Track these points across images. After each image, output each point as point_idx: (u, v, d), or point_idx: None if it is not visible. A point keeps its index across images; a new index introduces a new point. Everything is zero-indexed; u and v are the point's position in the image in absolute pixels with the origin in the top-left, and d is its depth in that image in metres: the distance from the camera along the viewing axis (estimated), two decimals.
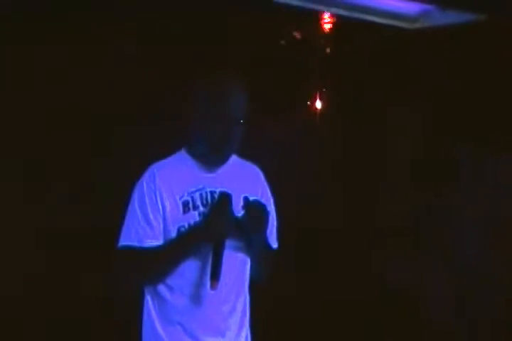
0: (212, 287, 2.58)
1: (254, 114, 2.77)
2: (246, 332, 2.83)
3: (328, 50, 5.26)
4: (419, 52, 5.19)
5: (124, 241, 2.70)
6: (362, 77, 5.31)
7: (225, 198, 2.65)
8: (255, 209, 2.66)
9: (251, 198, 2.68)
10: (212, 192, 2.71)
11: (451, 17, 4.94)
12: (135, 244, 2.67)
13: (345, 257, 5.26)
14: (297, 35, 5.13)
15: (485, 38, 4.94)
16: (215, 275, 2.58)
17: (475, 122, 5.13)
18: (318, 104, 5.44)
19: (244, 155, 2.88)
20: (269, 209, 2.75)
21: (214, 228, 2.62)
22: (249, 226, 2.65)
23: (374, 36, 5.10)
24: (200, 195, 2.71)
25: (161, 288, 2.71)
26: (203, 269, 2.67)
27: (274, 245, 2.88)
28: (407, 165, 5.41)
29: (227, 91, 2.70)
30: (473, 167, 5.22)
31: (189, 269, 2.67)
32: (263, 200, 2.79)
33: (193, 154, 2.77)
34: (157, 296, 2.72)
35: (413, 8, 4.94)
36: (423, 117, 5.28)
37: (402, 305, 5.24)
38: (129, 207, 2.72)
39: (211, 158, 2.74)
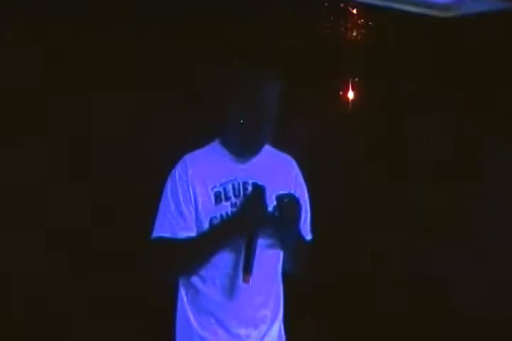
0: (245, 280, 2.56)
1: (286, 105, 2.75)
2: (279, 324, 2.81)
3: (359, 40, 5.18)
4: (454, 40, 5.08)
5: (157, 232, 2.69)
6: (394, 67, 5.22)
7: (259, 190, 2.63)
8: (287, 204, 2.62)
9: (283, 192, 2.65)
10: (244, 183, 2.70)
11: (485, 5, 4.87)
12: (168, 235, 2.66)
13: (379, 250, 5.19)
14: (328, 25, 5.04)
15: None
16: (248, 269, 2.56)
17: (500, 118, 5.03)
18: (351, 95, 5.36)
19: (277, 145, 2.86)
20: (301, 200, 2.73)
21: (247, 219, 2.61)
22: (282, 220, 2.63)
23: (407, 26, 5.00)
24: (233, 185, 2.70)
25: (195, 279, 2.70)
26: (236, 261, 2.66)
27: (308, 237, 2.86)
28: (434, 161, 5.32)
29: (261, 81, 2.69)
30: (502, 163, 5.12)
31: (222, 261, 2.66)
32: (297, 191, 2.78)
33: (226, 145, 2.75)
34: (190, 287, 2.72)
35: None
36: (452, 113, 5.18)
37: (433, 296, 5.16)
38: (162, 198, 2.72)
39: (244, 149, 2.72)
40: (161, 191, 2.74)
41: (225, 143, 2.76)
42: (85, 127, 4.45)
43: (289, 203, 2.62)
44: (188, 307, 2.72)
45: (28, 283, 4.25)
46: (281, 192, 2.65)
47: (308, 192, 2.87)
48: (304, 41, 4.93)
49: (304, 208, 2.76)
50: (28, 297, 4.27)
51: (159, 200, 2.73)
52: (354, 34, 5.16)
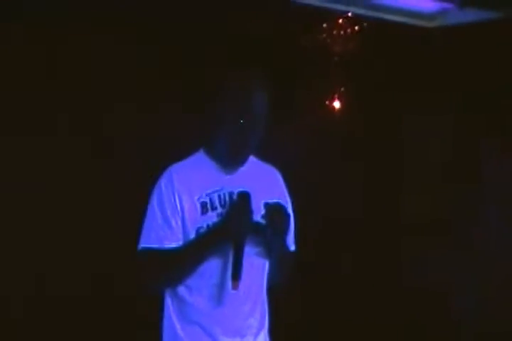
0: (234, 287, 2.56)
1: (272, 115, 2.74)
2: (264, 333, 2.81)
3: (346, 50, 5.19)
4: (438, 50, 5.10)
5: (144, 243, 2.69)
6: (381, 76, 5.24)
7: (244, 197, 2.63)
8: (276, 213, 2.63)
9: (271, 201, 2.65)
10: (230, 193, 2.69)
11: (470, 15, 4.90)
12: (155, 245, 2.65)
13: (371, 254, 5.20)
14: (315, 35, 5.06)
15: (503, 36, 4.84)
16: (236, 275, 2.56)
17: (497, 120, 5.05)
18: (337, 104, 5.37)
19: (262, 156, 2.86)
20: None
21: (233, 227, 2.60)
22: (270, 229, 2.63)
23: (393, 35, 5.02)
24: (219, 195, 2.69)
25: (181, 288, 2.70)
26: (222, 269, 2.65)
27: (292, 247, 2.87)
28: (431, 165, 5.33)
29: (248, 91, 2.68)
30: (497, 165, 5.14)
31: (209, 270, 2.66)
32: (282, 201, 2.77)
33: (212, 155, 2.76)
34: (176, 297, 2.71)
35: (432, 7, 4.91)
36: (446, 117, 5.19)
37: (430, 302, 5.16)
38: (148, 209, 2.71)
39: (230, 159, 2.72)
40: (145, 202, 2.72)
41: (211, 153, 2.76)
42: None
43: (277, 212, 2.63)
44: (174, 317, 2.71)
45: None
46: (267, 200, 2.65)
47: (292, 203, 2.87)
48: (288, 52, 4.94)
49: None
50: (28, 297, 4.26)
51: (144, 211, 2.72)
52: (341, 42, 5.16)
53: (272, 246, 2.70)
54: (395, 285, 5.26)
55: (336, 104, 5.39)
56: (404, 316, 5.19)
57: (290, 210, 2.83)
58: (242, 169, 2.75)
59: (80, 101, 4.45)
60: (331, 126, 5.32)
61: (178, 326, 2.69)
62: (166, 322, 2.75)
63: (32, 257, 4.31)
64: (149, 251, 2.66)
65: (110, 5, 4.29)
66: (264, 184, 2.78)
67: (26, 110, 4.31)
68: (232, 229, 2.60)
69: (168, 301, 2.74)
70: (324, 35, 5.05)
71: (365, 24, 4.94)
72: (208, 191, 2.69)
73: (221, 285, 2.65)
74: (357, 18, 4.91)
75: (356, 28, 5.07)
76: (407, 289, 5.24)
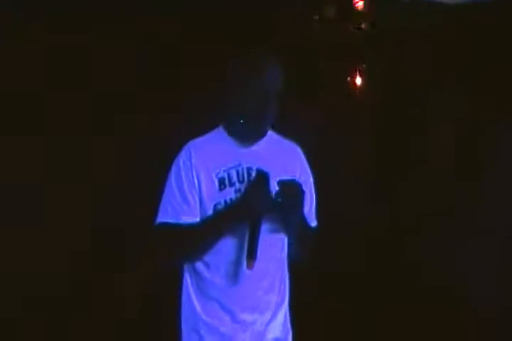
0: (249, 266, 2.55)
1: (293, 94, 2.70)
2: (284, 311, 2.80)
3: (367, 29, 5.13)
4: (462, 28, 5.02)
5: (161, 218, 2.69)
6: (403, 56, 5.16)
7: (262, 176, 2.63)
8: (290, 190, 2.61)
9: (286, 178, 2.64)
10: (248, 169, 2.69)
11: None
12: (172, 220, 2.66)
13: (382, 245, 5.15)
14: (335, 13, 5.00)
15: None
16: (251, 255, 2.54)
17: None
18: (359, 83, 5.31)
19: (283, 133, 2.85)
20: (306, 187, 2.71)
21: (251, 206, 2.59)
22: (283, 206, 2.61)
23: (415, 14, 4.95)
24: (237, 171, 2.69)
25: (199, 264, 2.70)
26: (239, 247, 2.65)
27: (313, 223, 2.85)
28: (447, 152, 5.27)
29: (261, 66, 2.67)
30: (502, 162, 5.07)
31: (226, 247, 2.66)
32: (302, 178, 2.77)
33: (230, 131, 2.75)
34: (195, 273, 2.71)
35: None
36: (465, 102, 5.12)
37: (441, 294, 5.11)
38: (166, 185, 2.71)
39: (247, 134, 2.72)
40: (165, 178, 2.73)
41: (229, 129, 2.75)
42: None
43: (290, 189, 2.61)
44: (193, 293, 2.72)
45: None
46: (284, 177, 2.64)
47: (314, 179, 2.85)
48: (309, 31, 4.88)
49: (308, 195, 2.75)
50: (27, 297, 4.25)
51: (163, 188, 2.72)
52: (359, 23, 5.11)
53: (289, 223, 2.69)
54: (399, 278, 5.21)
55: (358, 83, 5.34)
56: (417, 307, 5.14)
57: (310, 186, 2.82)
58: (261, 145, 2.75)
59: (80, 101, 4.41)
60: (352, 105, 5.26)
61: (196, 302, 2.70)
62: (184, 298, 2.76)
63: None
64: (166, 226, 2.66)
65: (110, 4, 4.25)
66: (283, 160, 2.77)
67: (26, 110, 4.27)
68: (249, 208, 2.59)
69: (187, 277, 2.74)
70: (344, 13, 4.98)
71: None
72: (226, 167, 2.68)
73: (238, 263, 2.65)
74: None
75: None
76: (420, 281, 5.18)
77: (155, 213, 2.71)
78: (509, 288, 4.91)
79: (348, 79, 5.34)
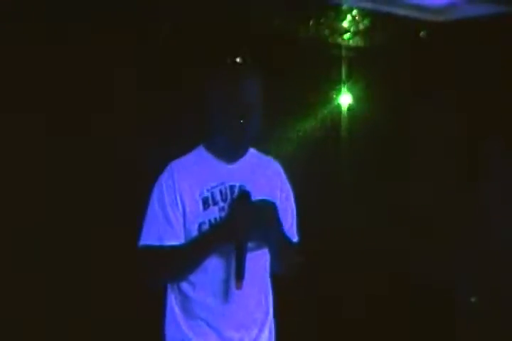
0: (238, 287, 2.54)
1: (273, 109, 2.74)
2: (270, 326, 2.80)
3: (353, 44, 5.14)
4: (446, 44, 5.04)
5: (144, 240, 2.67)
6: (388, 71, 5.18)
7: (245, 195, 2.63)
8: (265, 210, 2.62)
9: (258, 198, 2.64)
10: (232, 187, 2.69)
11: (478, 9, 4.85)
12: (156, 243, 2.64)
13: (376, 250, 5.15)
14: (323, 28, 5.00)
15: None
16: (240, 275, 2.54)
17: (506, 117, 4.98)
18: (344, 99, 5.32)
19: (263, 150, 2.87)
20: (286, 204, 2.76)
21: (235, 226, 2.57)
22: (262, 226, 2.62)
23: (400, 29, 4.97)
24: (220, 190, 2.68)
25: (184, 284, 2.69)
26: (225, 265, 2.64)
27: (294, 239, 2.86)
28: (437, 160, 5.28)
29: (236, 78, 2.65)
30: (504, 163, 5.07)
31: (212, 266, 2.65)
32: (283, 194, 2.79)
33: (211, 149, 2.75)
34: (180, 293, 2.70)
35: (440, 1, 4.86)
36: (453, 112, 5.14)
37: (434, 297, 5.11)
38: (149, 207, 2.69)
39: (229, 150, 2.72)
40: (145, 199, 2.72)
41: (210, 147, 2.75)
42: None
43: (265, 209, 2.63)
44: (178, 313, 2.70)
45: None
46: (262, 196, 2.65)
47: (294, 194, 2.87)
48: (295, 44, 4.89)
49: (289, 211, 2.80)
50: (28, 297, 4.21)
51: (145, 208, 2.71)
52: (345, 36, 5.11)
53: (269, 241, 2.69)
54: (400, 282, 5.20)
55: (342, 99, 5.34)
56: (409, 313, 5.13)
57: (292, 202, 2.84)
58: (242, 162, 2.75)
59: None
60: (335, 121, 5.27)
61: (181, 321, 2.68)
62: (168, 318, 2.74)
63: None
64: (150, 249, 2.65)
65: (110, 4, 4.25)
66: (264, 177, 2.77)
67: (26, 110, 4.26)
68: (234, 228, 2.57)
69: (171, 297, 2.73)
70: (331, 27, 4.99)
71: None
72: (209, 186, 2.68)
73: (225, 281, 2.64)
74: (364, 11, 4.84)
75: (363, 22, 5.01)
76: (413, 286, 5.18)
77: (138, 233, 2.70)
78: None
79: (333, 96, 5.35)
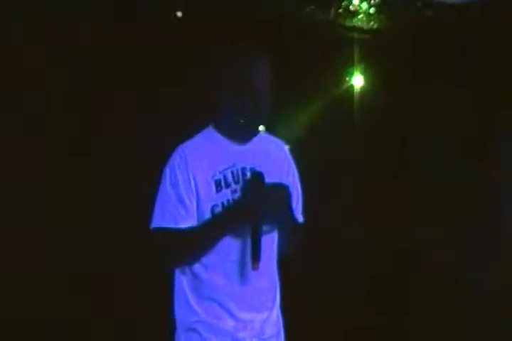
0: (254, 267, 2.58)
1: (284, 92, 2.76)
2: (277, 308, 2.83)
3: (365, 26, 5.10)
4: (459, 26, 4.99)
5: (158, 223, 2.68)
6: (400, 53, 5.14)
7: (258, 176, 2.65)
8: (277, 193, 2.65)
9: (271, 181, 2.67)
10: (243, 169, 2.71)
11: None
12: (170, 225, 2.65)
13: (383, 236, 5.13)
14: (335, 11, 4.97)
15: None
16: (256, 256, 2.57)
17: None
18: (355, 81, 5.29)
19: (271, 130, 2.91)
20: (292, 186, 2.77)
21: (251, 207, 2.60)
22: (275, 209, 2.65)
23: (413, 11, 4.92)
24: (232, 172, 2.70)
25: (196, 266, 2.70)
26: (238, 247, 2.67)
27: (300, 219, 2.89)
28: (446, 142, 5.24)
29: (248, 58, 2.69)
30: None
31: (225, 247, 2.67)
32: (289, 177, 2.83)
33: (221, 130, 2.76)
34: (192, 274, 2.71)
35: None
36: (462, 95, 5.09)
37: (441, 284, 5.09)
38: (161, 189, 2.70)
39: (240, 132, 2.74)
40: (155, 182, 2.72)
41: (220, 128, 2.76)
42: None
43: (278, 191, 2.66)
44: (189, 293, 2.71)
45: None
46: (271, 179, 2.68)
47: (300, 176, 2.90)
48: (304, 28, 4.86)
49: (295, 192, 2.81)
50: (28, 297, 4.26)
51: (155, 191, 2.72)
52: (357, 18, 5.07)
53: (280, 222, 2.72)
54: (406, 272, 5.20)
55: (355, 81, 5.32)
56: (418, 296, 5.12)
57: (298, 184, 2.87)
58: (253, 144, 2.77)
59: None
60: (348, 102, 5.25)
61: (193, 303, 2.70)
62: (179, 300, 2.76)
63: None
64: (164, 231, 2.66)
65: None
66: (273, 158, 2.80)
67: (26, 110, 4.26)
68: (250, 209, 2.59)
69: (181, 278, 2.74)
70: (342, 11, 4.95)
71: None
72: (221, 168, 2.69)
73: (238, 263, 2.67)
74: None
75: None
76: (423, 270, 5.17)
77: (148, 217, 2.70)
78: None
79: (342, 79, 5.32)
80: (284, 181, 2.75)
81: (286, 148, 2.90)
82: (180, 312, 2.75)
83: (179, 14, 4.58)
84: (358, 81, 5.32)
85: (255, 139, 2.77)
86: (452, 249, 5.10)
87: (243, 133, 2.74)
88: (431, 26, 5.07)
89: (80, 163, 4.33)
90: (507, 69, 4.98)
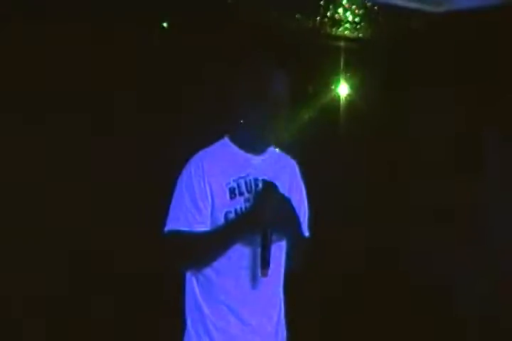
0: (263, 275, 2.67)
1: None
2: (283, 314, 2.92)
3: (352, 35, 5.12)
4: (444, 35, 5.03)
5: (172, 225, 2.76)
6: (387, 62, 5.18)
7: (270, 187, 2.74)
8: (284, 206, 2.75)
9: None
10: (255, 180, 2.81)
11: (476, 1, 4.83)
12: (184, 228, 2.73)
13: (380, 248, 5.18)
14: (324, 20, 4.98)
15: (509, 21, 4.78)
16: (266, 263, 2.66)
17: (501, 107, 4.99)
18: (343, 90, 5.32)
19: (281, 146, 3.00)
20: (299, 201, 2.89)
21: (263, 216, 2.67)
22: (282, 219, 2.74)
23: (399, 20, 4.95)
24: (245, 181, 2.80)
25: (207, 270, 2.78)
26: (249, 253, 2.74)
27: (306, 233, 2.99)
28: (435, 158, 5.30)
29: (268, 70, 2.78)
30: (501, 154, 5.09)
31: (236, 253, 2.74)
32: (298, 189, 2.94)
33: (237, 141, 2.87)
34: (203, 277, 2.79)
35: None
36: (451, 104, 5.15)
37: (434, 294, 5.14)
38: (176, 193, 2.79)
39: (255, 144, 2.84)
40: (170, 188, 2.80)
41: (236, 140, 2.87)
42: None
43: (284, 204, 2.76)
44: (199, 296, 2.78)
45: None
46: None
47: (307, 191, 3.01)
48: (294, 38, 4.88)
49: (302, 208, 2.94)
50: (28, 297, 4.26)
51: (169, 194, 2.80)
52: (344, 27, 5.09)
53: (287, 233, 2.81)
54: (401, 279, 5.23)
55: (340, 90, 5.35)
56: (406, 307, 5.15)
57: (305, 200, 2.98)
58: (265, 156, 2.87)
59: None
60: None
61: (204, 305, 2.76)
62: (190, 302, 2.82)
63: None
64: (178, 234, 2.73)
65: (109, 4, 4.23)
66: (283, 172, 2.91)
67: (25, 110, 4.23)
68: (261, 218, 2.66)
69: (193, 281, 2.81)
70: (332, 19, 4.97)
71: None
72: (235, 177, 2.79)
73: (248, 269, 2.74)
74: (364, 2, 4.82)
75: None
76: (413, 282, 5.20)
77: (159, 218, 2.78)
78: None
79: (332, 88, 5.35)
80: (293, 195, 2.85)
81: (295, 164, 2.99)
82: (190, 314, 2.81)
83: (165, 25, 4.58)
84: (343, 89, 5.36)
85: (268, 152, 2.88)
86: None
87: (257, 146, 2.84)
88: (415, 35, 5.12)
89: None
90: (491, 78, 5.04)
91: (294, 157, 3.01)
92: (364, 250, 5.24)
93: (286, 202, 2.76)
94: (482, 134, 5.15)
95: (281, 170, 2.90)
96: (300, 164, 3.00)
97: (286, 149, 3.00)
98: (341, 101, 5.38)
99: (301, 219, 2.91)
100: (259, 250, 2.68)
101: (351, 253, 5.13)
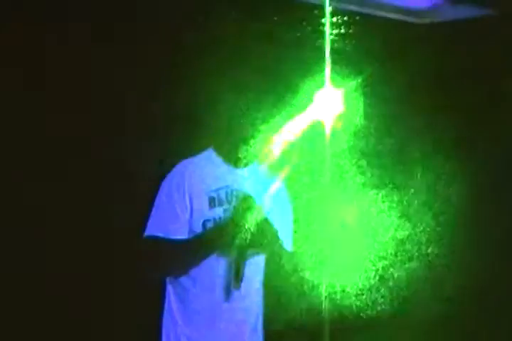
0: (236, 287, 2.69)
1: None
2: (261, 325, 2.94)
3: (335, 46, 5.08)
4: (429, 47, 5.03)
5: (151, 231, 2.77)
6: (373, 73, 5.15)
7: (247, 199, 2.73)
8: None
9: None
10: (236, 191, 2.81)
11: (461, 12, 4.83)
12: (161, 235, 2.74)
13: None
14: (304, 29, 4.95)
15: (495, 32, 4.78)
16: (239, 276, 2.68)
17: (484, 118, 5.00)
18: (323, 103, 5.26)
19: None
20: (283, 216, 2.89)
21: (235, 230, 2.65)
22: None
23: (383, 32, 4.93)
24: (226, 192, 2.81)
25: (184, 278, 2.79)
26: (226, 262, 2.73)
27: (289, 248, 2.98)
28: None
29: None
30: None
31: (212, 263, 2.74)
32: (281, 203, 2.93)
33: (221, 153, 2.88)
34: (179, 286, 2.81)
35: (423, 3, 4.83)
36: (439, 113, 5.14)
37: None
38: (157, 200, 2.81)
39: (238, 158, 2.84)
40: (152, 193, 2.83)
41: (220, 152, 2.89)
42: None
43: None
44: (175, 306, 2.80)
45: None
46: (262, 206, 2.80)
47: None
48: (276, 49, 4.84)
49: (286, 223, 2.94)
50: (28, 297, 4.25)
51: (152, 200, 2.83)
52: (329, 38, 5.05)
53: (266, 250, 2.81)
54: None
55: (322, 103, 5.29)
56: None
57: (288, 212, 2.98)
58: (248, 169, 2.88)
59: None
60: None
61: (178, 314, 2.78)
62: (166, 310, 2.83)
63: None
64: (154, 240, 2.74)
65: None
66: (266, 187, 2.88)
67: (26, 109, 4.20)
68: (233, 232, 2.65)
69: (170, 289, 2.83)
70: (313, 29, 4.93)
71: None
72: (216, 187, 2.81)
73: (224, 279, 2.74)
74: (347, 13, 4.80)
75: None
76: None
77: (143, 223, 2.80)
78: None
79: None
80: (276, 209, 2.83)
81: (282, 181, 2.96)
82: (165, 323, 2.82)
83: None
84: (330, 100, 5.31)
85: (253, 166, 2.89)
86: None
87: (241, 158, 2.84)
88: (402, 44, 5.11)
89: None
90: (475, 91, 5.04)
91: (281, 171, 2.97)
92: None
93: (262, 215, 2.72)
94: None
95: (265, 184, 2.89)
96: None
97: (272, 163, 2.98)
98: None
99: (284, 234, 2.87)
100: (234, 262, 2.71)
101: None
